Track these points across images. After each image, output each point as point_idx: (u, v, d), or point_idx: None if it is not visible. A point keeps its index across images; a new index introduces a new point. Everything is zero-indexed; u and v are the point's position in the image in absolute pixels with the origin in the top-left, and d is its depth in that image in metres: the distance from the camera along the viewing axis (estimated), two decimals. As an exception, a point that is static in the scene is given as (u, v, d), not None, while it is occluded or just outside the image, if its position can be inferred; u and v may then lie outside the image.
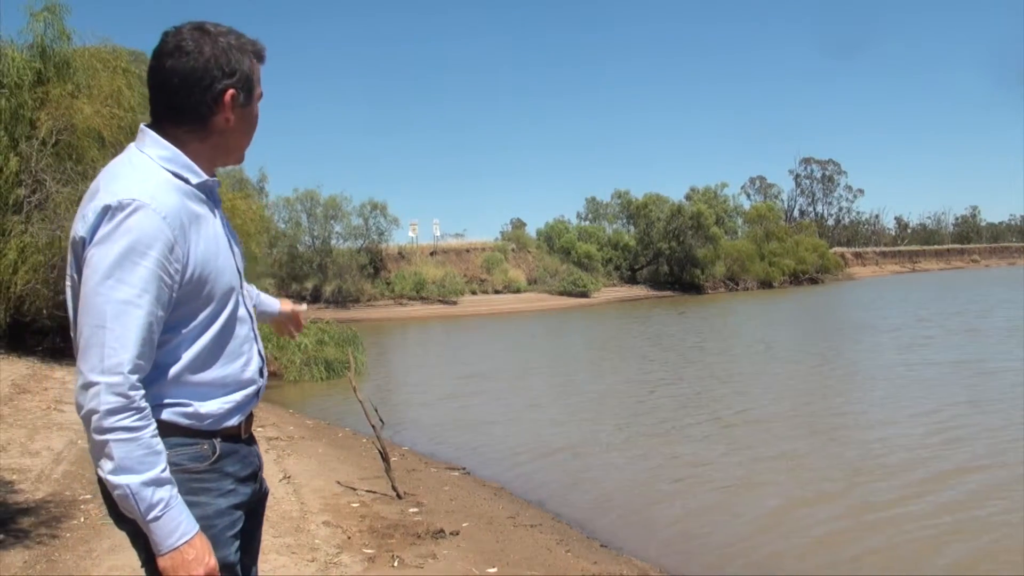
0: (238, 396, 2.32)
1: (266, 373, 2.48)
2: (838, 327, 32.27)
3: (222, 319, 2.25)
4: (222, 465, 2.26)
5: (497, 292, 55.10)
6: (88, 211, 2.08)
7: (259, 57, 2.31)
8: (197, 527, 2.10)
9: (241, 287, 2.36)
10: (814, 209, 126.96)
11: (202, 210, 2.23)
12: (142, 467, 2.01)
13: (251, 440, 2.45)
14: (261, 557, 5.32)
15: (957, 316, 33.16)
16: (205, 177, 2.25)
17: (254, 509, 2.46)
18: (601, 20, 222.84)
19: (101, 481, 2.08)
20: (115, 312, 2.01)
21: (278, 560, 5.46)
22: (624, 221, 73.48)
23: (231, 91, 2.22)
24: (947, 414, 13.13)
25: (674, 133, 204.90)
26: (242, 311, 2.36)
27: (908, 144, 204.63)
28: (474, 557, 6.52)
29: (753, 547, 7.70)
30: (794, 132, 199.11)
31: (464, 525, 7.43)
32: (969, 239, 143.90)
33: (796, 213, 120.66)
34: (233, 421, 2.31)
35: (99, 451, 2.02)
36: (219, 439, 2.26)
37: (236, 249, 2.39)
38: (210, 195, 2.29)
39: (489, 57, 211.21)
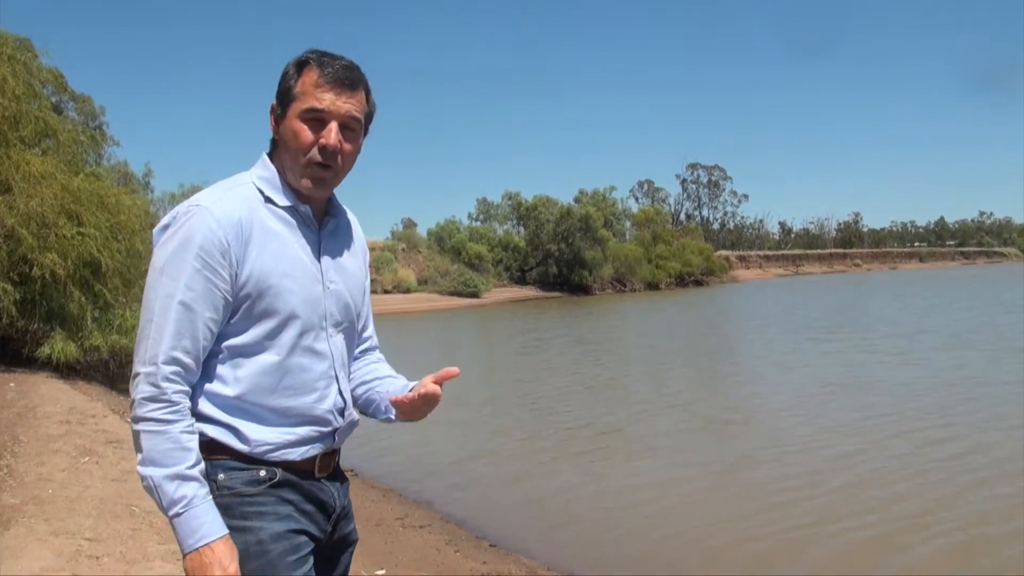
0: (302, 430, 2.19)
1: (349, 416, 2.33)
2: (718, 326, 33.13)
3: (286, 343, 2.16)
4: (281, 491, 2.15)
5: (387, 292, 54.80)
6: (167, 215, 2.16)
7: (321, 70, 2.16)
8: (223, 532, 2.02)
9: (328, 323, 2.25)
10: (700, 213, 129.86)
11: (282, 229, 2.18)
12: (168, 460, 1.99)
13: (333, 479, 2.30)
14: (145, 566, 5.29)
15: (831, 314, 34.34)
16: (291, 202, 2.20)
17: (332, 556, 2.32)
18: (491, 24, 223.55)
19: None
20: (162, 307, 2.03)
21: (164, 567, 5.39)
22: (515, 222, 73.89)
23: (273, 103, 2.23)
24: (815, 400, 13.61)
25: (564, 136, 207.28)
26: (322, 346, 2.23)
27: (792, 151, 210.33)
28: (363, 559, 6.51)
29: (642, 545, 7.84)
30: (680, 137, 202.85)
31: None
32: (851, 244, 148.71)
33: (683, 217, 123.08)
34: (294, 455, 2.18)
35: (135, 441, 2.03)
36: (280, 469, 2.15)
37: (334, 285, 2.27)
38: (305, 221, 2.23)
39: (378, 53, 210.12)
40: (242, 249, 2.09)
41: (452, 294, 57.98)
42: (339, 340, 2.30)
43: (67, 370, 14.95)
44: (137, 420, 2.01)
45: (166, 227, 2.12)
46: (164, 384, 2.01)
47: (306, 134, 2.15)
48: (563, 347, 26.59)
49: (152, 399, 2.00)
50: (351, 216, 2.43)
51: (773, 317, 37.06)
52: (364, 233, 2.49)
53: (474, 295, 58.50)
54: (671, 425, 13.06)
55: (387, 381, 2.45)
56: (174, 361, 2.03)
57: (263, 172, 2.22)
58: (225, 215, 2.08)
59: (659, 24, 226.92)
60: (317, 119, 2.15)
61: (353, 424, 2.36)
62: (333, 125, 2.15)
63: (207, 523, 2.01)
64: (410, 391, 2.32)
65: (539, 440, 12.49)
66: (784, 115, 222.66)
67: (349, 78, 2.18)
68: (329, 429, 2.25)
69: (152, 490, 2.01)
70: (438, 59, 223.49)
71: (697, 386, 17.73)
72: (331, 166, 2.18)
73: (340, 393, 2.29)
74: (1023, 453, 10.26)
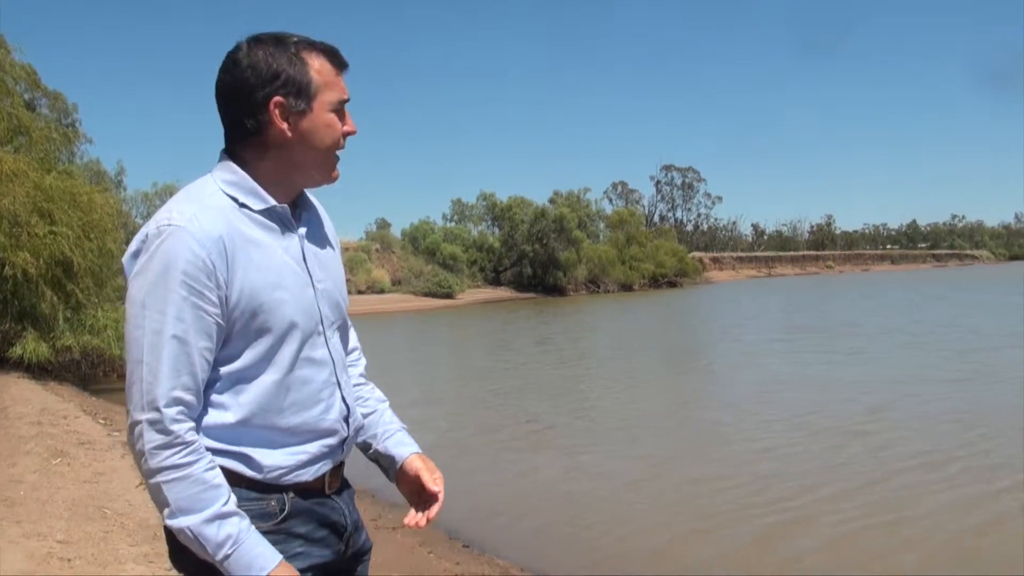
0: (312, 447, 2.08)
1: (354, 424, 2.22)
2: (689, 326, 33.37)
3: (285, 359, 2.03)
4: (289, 525, 2.04)
5: (360, 292, 54.61)
6: (135, 238, 1.97)
7: (329, 57, 2.07)
8: (278, 558, 1.93)
9: (324, 326, 2.14)
10: (674, 215, 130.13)
11: (263, 237, 2.03)
12: (200, 505, 1.86)
13: (340, 492, 2.22)
14: (117, 568, 5.28)
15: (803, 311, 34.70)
16: (271, 203, 2.04)
17: (347, 570, 2.25)
18: (464, 24, 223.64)
19: (166, 527, 1.95)
20: (151, 344, 1.87)
21: (136, 569, 5.39)
22: (489, 223, 73.97)
23: (276, 98, 2.00)
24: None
25: (539, 137, 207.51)
26: (320, 353, 2.11)
27: (766, 154, 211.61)
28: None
29: (616, 546, 7.88)
30: (655, 139, 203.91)
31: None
32: (824, 246, 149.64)
33: (656, 218, 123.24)
34: (307, 475, 2.07)
35: (155, 496, 1.88)
36: (291, 494, 2.04)
37: (322, 284, 2.15)
38: (283, 222, 2.09)
39: (354, 53, 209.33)
40: (227, 268, 1.93)
41: (426, 295, 57.95)
42: (336, 341, 2.20)
43: (39, 370, 14.89)
44: (153, 473, 1.85)
45: (137, 253, 1.94)
46: (173, 427, 1.86)
47: (339, 125, 2.06)
48: (532, 347, 26.65)
49: (165, 446, 1.85)
50: (316, 202, 2.27)
51: (741, 318, 37.51)
52: (338, 233, 2.35)
53: (448, 296, 58.49)
54: (643, 425, 13.11)
55: (394, 435, 2.38)
56: (177, 402, 1.87)
57: (229, 176, 2.04)
58: (205, 233, 1.91)
59: (633, 26, 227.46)
60: (342, 109, 2.07)
61: (359, 430, 2.27)
62: (348, 112, 2.10)
63: (260, 554, 1.91)
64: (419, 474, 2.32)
65: (512, 440, 12.53)
66: (758, 117, 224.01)
67: (346, 61, 2.12)
68: (337, 441, 2.15)
69: (193, 540, 1.86)
70: (412, 58, 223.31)
71: (665, 385, 17.90)
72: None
73: (344, 400, 2.18)
74: (941, 447, 10.72)
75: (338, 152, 2.10)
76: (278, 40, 2.03)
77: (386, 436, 2.36)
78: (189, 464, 1.86)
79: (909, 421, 12.52)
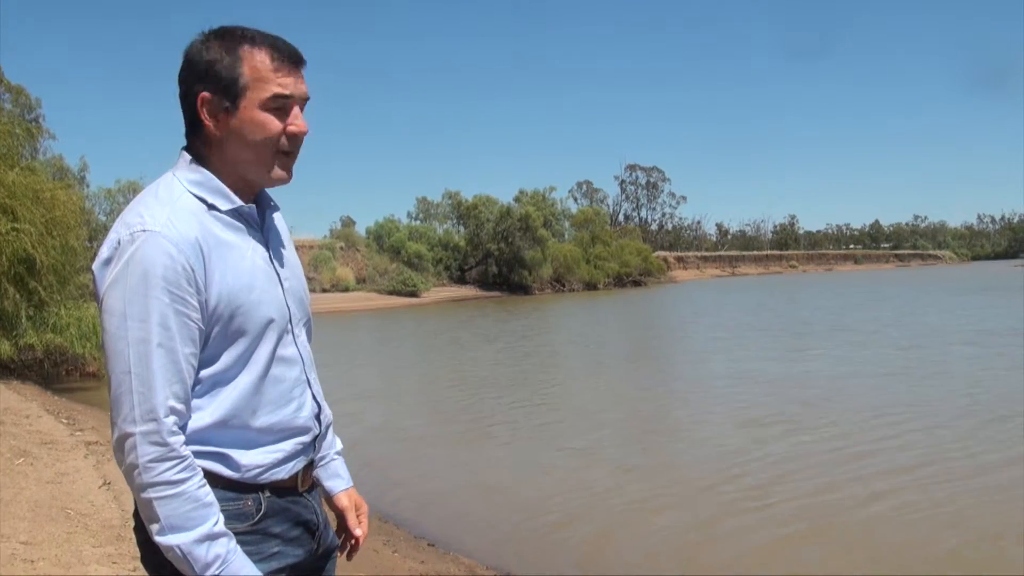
0: (287, 445, 2.08)
1: (325, 419, 2.23)
2: (650, 325, 33.63)
3: (261, 359, 2.02)
4: (266, 525, 2.03)
5: (325, 291, 54.43)
6: (104, 244, 1.92)
7: (272, 52, 2.00)
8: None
9: (292, 324, 2.13)
10: (639, 214, 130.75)
11: (233, 238, 2.01)
12: (191, 523, 1.84)
13: (311, 491, 2.20)
14: (81, 569, 5.31)
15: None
16: (237, 203, 2.02)
17: (318, 568, 2.24)
18: (428, 22, 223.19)
19: (137, 532, 1.98)
20: (138, 354, 1.83)
21: (99, 570, 5.40)
22: (454, 221, 73.85)
23: (203, 94, 1.97)
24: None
25: (504, 135, 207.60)
26: (290, 351, 2.11)
27: (729, 154, 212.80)
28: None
29: (581, 544, 7.94)
30: (619, 139, 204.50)
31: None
32: (787, 246, 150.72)
33: (621, 218, 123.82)
34: (283, 473, 2.07)
35: (145, 510, 1.86)
36: (267, 493, 2.04)
37: (288, 282, 2.14)
38: (250, 222, 2.07)
39: (318, 51, 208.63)
40: (205, 272, 1.91)
41: (391, 293, 57.84)
42: (303, 339, 2.19)
43: (1, 369, 14.78)
44: (146, 487, 1.83)
45: (109, 260, 1.88)
46: (171, 439, 1.83)
47: (274, 124, 1.98)
48: (492, 344, 26.72)
49: (161, 459, 1.82)
50: (272, 198, 2.23)
51: (699, 316, 38.26)
52: (302, 231, 2.34)
53: (413, 294, 58.40)
54: (610, 425, 13.19)
55: (329, 463, 2.37)
56: (172, 412, 1.85)
57: (194, 175, 2.00)
58: (181, 237, 1.88)
59: (598, 25, 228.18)
60: (281, 106, 1.99)
61: (328, 426, 2.28)
62: (296, 109, 2.01)
63: (245, 574, 1.91)
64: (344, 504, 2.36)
65: (474, 439, 12.57)
66: (723, 117, 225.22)
67: (300, 56, 2.03)
68: (310, 438, 2.15)
69: (181, 559, 1.84)
70: (378, 55, 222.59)
71: (633, 385, 17.97)
72: (293, 152, 2.04)
73: (314, 397, 2.17)
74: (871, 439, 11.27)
75: (284, 150, 2.02)
76: (223, 34, 1.99)
77: (323, 462, 2.35)
78: (183, 481, 1.84)
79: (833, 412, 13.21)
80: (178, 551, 1.83)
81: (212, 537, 1.85)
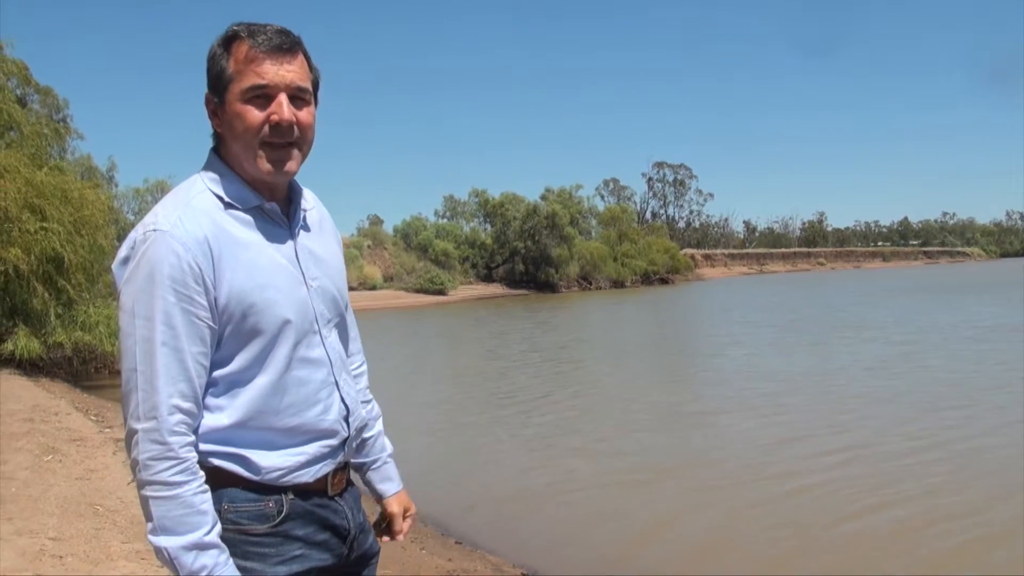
0: (311, 448, 2.04)
1: (356, 422, 2.19)
2: (679, 323, 33.51)
3: (279, 360, 1.99)
4: (288, 527, 2.00)
5: (352, 289, 54.04)
6: (123, 243, 1.94)
7: (250, 41, 1.96)
8: None
9: (320, 325, 2.10)
10: (666, 212, 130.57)
11: (251, 236, 1.98)
12: (182, 528, 1.83)
13: (342, 495, 2.17)
14: (109, 565, 5.29)
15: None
16: (258, 201, 2.01)
17: (351, 573, 2.20)
18: (459, 23, 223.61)
19: None
20: (143, 352, 1.84)
21: (127, 567, 5.39)
22: (481, 220, 74.00)
23: (206, 94, 2.02)
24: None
25: (531, 133, 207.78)
26: (316, 352, 2.07)
27: (757, 150, 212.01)
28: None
29: (608, 544, 7.89)
30: (646, 137, 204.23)
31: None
32: (815, 243, 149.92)
33: (648, 215, 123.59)
34: (306, 476, 2.03)
35: (143, 507, 1.86)
36: (290, 495, 2.01)
37: (317, 282, 2.11)
38: (274, 219, 2.05)
39: (345, 50, 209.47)
40: (214, 270, 1.89)
41: (418, 291, 57.94)
42: (334, 339, 2.16)
43: (30, 367, 14.88)
44: (144, 484, 1.83)
45: (126, 260, 1.90)
46: (171, 439, 1.83)
47: (252, 114, 1.95)
48: (527, 344, 26.65)
49: (159, 458, 1.82)
50: (310, 195, 2.22)
51: (729, 314, 37.80)
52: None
53: (440, 292, 58.49)
54: (635, 422, 13.11)
55: (381, 467, 2.44)
56: (176, 410, 1.84)
57: (214, 174, 2.01)
58: (189, 236, 1.88)
59: (625, 24, 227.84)
60: (262, 96, 1.95)
61: (361, 430, 2.25)
62: (281, 97, 1.95)
63: None
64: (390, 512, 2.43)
65: (503, 438, 12.53)
66: (750, 114, 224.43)
67: (286, 43, 1.97)
68: (338, 441, 2.11)
69: (168, 561, 1.84)
70: (405, 55, 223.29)
71: (657, 382, 17.91)
72: (290, 143, 1.98)
73: (343, 400, 2.13)
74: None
75: (268, 141, 1.97)
76: (227, 33, 2.00)
77: (375, 466, 2.42)
78: (180, 484, 1.83)
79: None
80: (166, 554, 1.84)
81: (201, 547, 1.84)
